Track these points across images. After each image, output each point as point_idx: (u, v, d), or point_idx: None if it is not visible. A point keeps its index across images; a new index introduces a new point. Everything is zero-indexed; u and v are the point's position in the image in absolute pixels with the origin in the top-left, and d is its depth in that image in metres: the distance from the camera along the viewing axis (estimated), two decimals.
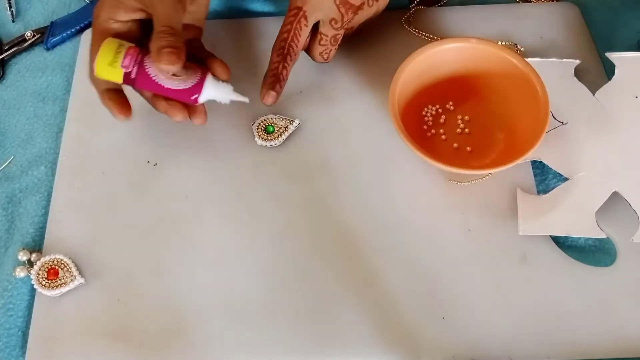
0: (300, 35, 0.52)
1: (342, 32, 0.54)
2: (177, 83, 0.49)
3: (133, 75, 0.48)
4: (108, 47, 0.48)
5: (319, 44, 0.54)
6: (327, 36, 0.54)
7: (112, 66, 0.48)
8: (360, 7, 0.53)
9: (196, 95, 0.50)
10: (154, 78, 0.49)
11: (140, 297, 0.49)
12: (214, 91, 0.50)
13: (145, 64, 0.49)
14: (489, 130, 0.54)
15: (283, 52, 0.53)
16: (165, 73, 0.48)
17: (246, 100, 0.51)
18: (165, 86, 0.49)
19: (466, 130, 0.54)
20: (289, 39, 0.52)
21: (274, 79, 0.53)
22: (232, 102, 0.51)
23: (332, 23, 0.52)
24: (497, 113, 0.54)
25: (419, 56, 0.52)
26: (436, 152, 0.53)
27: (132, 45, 0.49)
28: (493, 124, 0.54)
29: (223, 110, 0.57)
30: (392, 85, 0.50)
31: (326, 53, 0.55)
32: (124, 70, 0.48)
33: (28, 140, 0.58)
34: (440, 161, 0.48)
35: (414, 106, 0.54)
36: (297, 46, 0.53)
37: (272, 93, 0.53)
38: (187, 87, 0.49)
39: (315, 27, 0.53)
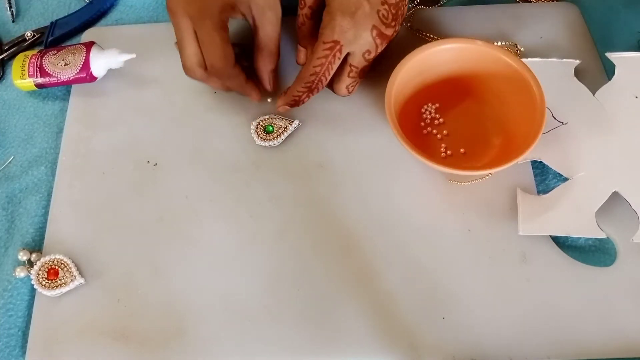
0: (332, 70, 0.51)
1: (369, 64, 0.52)
2: (68, 71, 0.56)
3: (40, 81, 0.56)
4: (16, 64, 0.57)
5: (348, 76, 0.52)
6: (357, 68, 0.51)
7: (23, 78, 0.56)
8: (391, 37, 0.51)
9: (89, 72, 0.56)
10: (52, 74, 0.56)
11: (140, 297, 0.49)
12: (102, 60, 0.56)
13: (43, 65, 0.56)
14: (487, 131, 0.54)
15: (311, 86, 0.51)
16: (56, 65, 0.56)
17: (132, 55, 0.56)
18: (62, 79, 0.56)
19: (465, 130, 0.54)
20: (321, 73, 0.50)
21: (294, 104, 0.53)
22: (126, 63, 0.57)
23: (365, 55, 0.50)
24: (494, 113, 0.54)
25: (414, 57, 0.52)
26: (435, 152, 0.53)
27: (34, 52, 0.57)
28: (490, 124, 0.54)
29: (223, 110, 0.57)
30: (387, 87, 0.50)
31: (352, 86, 0.53)
32: (31, 80, 0.56)
33: (28, 140, 0.58)
34: (438, 162, 0.48)
35: (412, 106, 0.54)
36: (326, 79, 0.51)
37: (288, 108, 0.54)
38: (76, 72, 0.55)
39: (344, 59, 0.51)
